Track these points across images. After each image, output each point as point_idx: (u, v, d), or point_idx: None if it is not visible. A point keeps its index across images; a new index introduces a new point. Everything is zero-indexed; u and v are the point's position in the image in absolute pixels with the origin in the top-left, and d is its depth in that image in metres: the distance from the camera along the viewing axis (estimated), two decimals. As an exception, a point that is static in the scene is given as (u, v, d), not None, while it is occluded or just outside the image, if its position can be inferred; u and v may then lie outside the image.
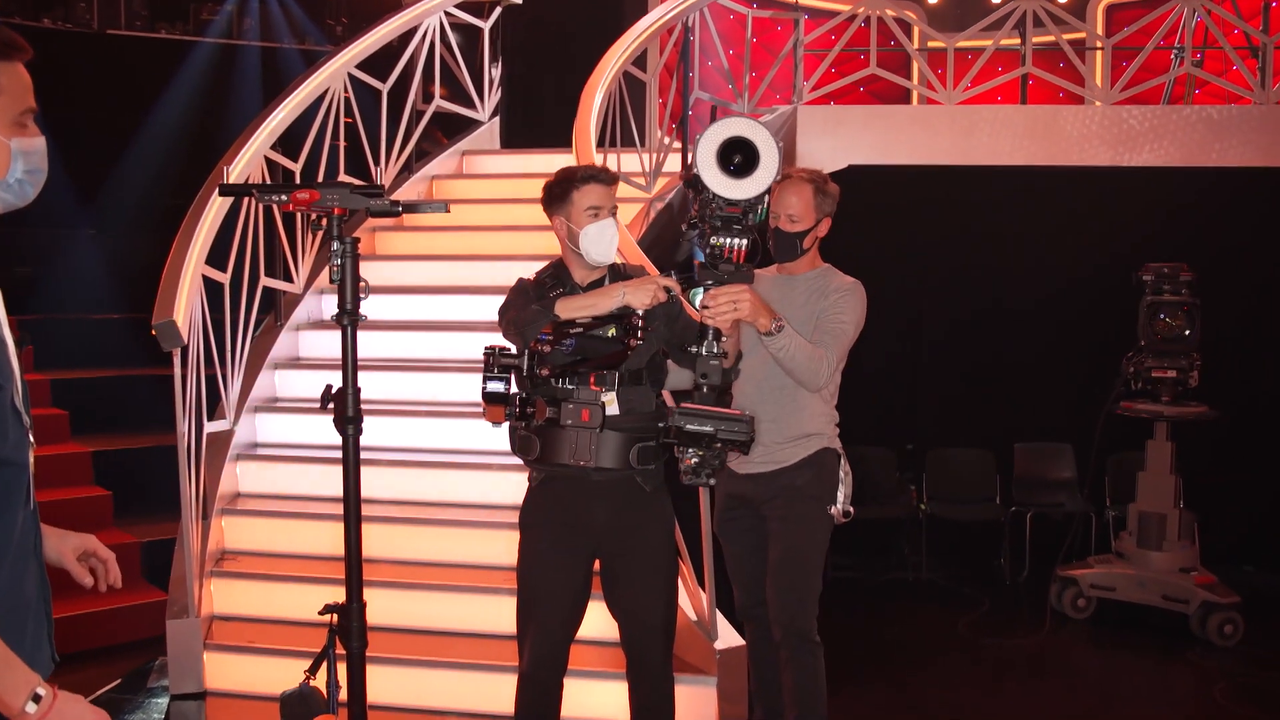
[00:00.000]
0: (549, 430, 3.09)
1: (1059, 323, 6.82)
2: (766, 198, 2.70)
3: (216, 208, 4.68)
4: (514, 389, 3.09)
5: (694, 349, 2.75)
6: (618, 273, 3.22)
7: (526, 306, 3.08)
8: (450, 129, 7.17)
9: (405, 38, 6.41)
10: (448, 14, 6.65)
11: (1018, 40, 6.80)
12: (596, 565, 3.22)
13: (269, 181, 5.16)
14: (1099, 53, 6.83)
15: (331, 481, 3.10)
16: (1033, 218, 6.70)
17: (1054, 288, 6.71)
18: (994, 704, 4.83)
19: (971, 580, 6.54)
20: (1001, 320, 6.96)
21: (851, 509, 3.47)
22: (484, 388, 3.01)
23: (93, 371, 6.89)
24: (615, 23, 6.53)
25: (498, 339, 3.18)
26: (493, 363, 3.01)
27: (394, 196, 6.21)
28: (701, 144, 2.68)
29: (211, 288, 4.72)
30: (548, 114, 6.83)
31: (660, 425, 2.75)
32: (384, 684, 3.83)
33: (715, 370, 2.76)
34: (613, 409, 3.06)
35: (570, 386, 3.06)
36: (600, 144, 5.55)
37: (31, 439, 1.83)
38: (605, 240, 3.13)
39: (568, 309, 3.03)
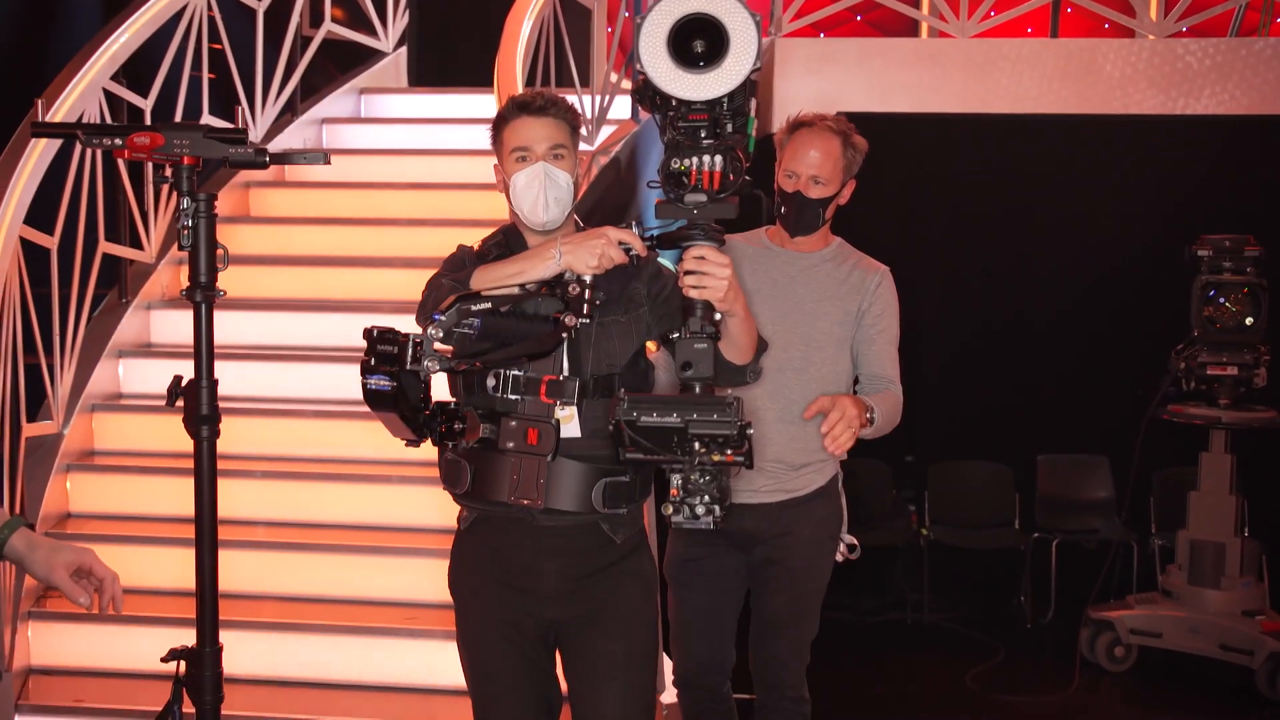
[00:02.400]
0: (483, 455, 2.77)
1: (1094, 309, 6.91)
2: (751, 101, 2.38)
3: (38, 153, 4.62)
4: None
5: (675, 334, 2.45)
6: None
7: (457, 273, 2.79)
8: (346, 61, 7.18)
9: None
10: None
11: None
12: None
13: (109, 121, 5.08)
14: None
15: (190, 499, 2.92)
16: (1064, 179, 6.78)
17: (1089, 265, 6.80)
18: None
19: (984, 623, 6.61)
20: (1023, 305, 7.06)
21: (855, 542, 3.47)
22: (364, 384, 2.57)
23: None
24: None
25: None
26: (370, 350, 2.57)
27: (275, 143, 6.29)
28: (645, 27, 2.35)
29: (34, 254, 4.68)
30: (467, 45, 6.82)
31: (609, 426, 2.43)
32: None
33: (702, 357, 2.43)
34: (571, 429, 2.75)
35: (513, 396, 2.73)
36: (530, 82, 5.56)
37: None
38: (532, 193, 2.79)
39: (486, 277, 2.69)
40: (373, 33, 7.08)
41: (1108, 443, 6.72)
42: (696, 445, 2.31)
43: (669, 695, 3.96)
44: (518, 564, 2.82)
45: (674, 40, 2.31)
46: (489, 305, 2.56)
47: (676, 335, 2.43)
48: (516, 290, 2.62)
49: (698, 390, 2.38)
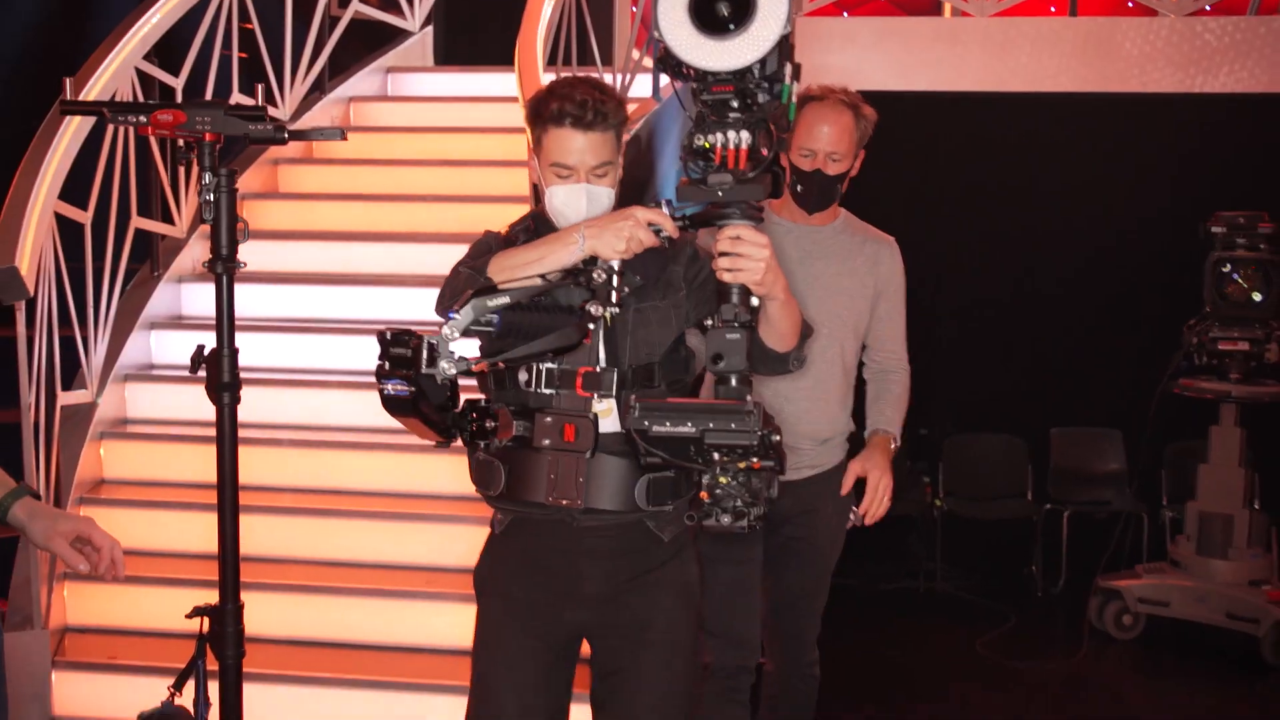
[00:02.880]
0: (518, 454, 2.58)
1: (1108, 283, 6.95)
2: (787, 69, 2.12)
3: (71, 131, 4.70)
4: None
5: (709, 321, 2.24)
6: None
7: (481, 261, 2.57)
8: (373, 41, 7.24)
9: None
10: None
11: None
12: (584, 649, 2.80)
13: (141, 99, 5.16)
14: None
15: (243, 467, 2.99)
16: (1081, 156, 6.80)
17: (1104, 241, 6.84)
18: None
19: (995, 592, 6.68)
20: (1038, 280, 7.10)
21: (857, 510, 3.43)
22: (380, 390, 2.33)
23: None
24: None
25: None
26: (384, 354, 2.33)
27: (303, 120, 6.38)
28: None
29: (69, 230, 4.77)
30: (492, 24, 6.87)
31: (621, 430, 2.30)
32: (270, 706, 4.01)
33: (735, 349, 2.19)
34: (610, 423, 2.55)
35: (548, 391, 2.53)
36: (552, 61, 5.62)
37: None
38: (569, 213, 2.57)
39: (504, 264, 2.49)
40: (399, 13, 7.16)
41: (1120, 416, 6.78)
42: (715, 455, 2.12)
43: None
44: (557, 569, 2.65)
45: (696, 4, 2.07)
46: (507, 300, 2.30)
47: (710, 323, 2.22)
48: (538, 281, 2.40)
49: (733, 382, 2.17)
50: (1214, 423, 5.86)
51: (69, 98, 4.58)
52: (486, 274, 2.47)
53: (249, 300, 5.24)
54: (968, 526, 6.89)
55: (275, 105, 6.29)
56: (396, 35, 7.21)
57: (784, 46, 2.06)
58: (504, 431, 2.47)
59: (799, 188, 3.29)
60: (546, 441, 2.51)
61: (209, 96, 5.72)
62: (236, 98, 5.95)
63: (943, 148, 6.88)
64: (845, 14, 8.43)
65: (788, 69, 2.09)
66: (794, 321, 2.49)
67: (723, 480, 2.11)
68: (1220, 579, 5.75)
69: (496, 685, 2.68)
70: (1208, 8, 6.59)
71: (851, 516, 3.44)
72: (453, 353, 2.23)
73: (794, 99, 2.13)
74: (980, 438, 7.08)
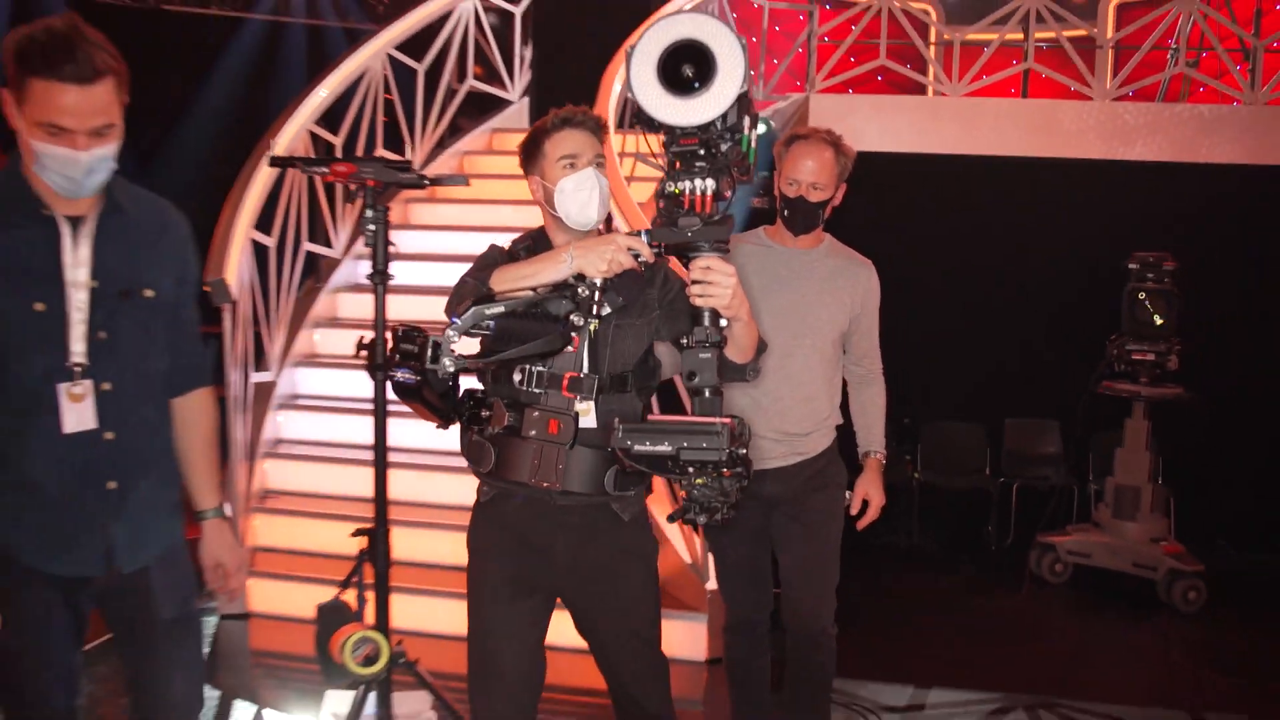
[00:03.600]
0: (507, 440, 2.49)
1: (1052, 306, 7.04)
2: (746, 120, 1.98)
3: (264, 177, 5.05)
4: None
5: (684, 341, 2.07)
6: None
7: (485, 272, 2.44)
8: (483, 107, 7.49)
9: (441, 21, 6.77)
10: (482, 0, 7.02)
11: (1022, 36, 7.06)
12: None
13: (311, 154, 5.55)
14: (1103, 51, 7.05)
15: (364, 431, 3.35)
16: (1031, 206, 6.90)
17: (1049, 273, 6.92)
18: (969, 659, 5.14)
19: (959, 546, 6.82)
20: (997, 302, 7.17)
21: (850, 492, 3.27)
22: (391, 376, 2.39)
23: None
24: (645, 8, 6.83)
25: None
26: (395, 347, 2.35)
27: (427, 170, 6.75)
28: (635, 54, 1.93)
29: (258, 251, 5.10)
30: (575, 95, 7.09)
31: (607, 450, 2.14)
32: (407, 611, 4.13)
33: (707, 367, 2.04)
34: (588, 420, 2.45)
35: (537, 390, 2.45)
36: (620, 125, 5.88)
37: (73, 366, 2.10)
38: (583, 195, 2.48)
39: (503, 277, 2.36)
40: (503, 86, 7.38)
41: (1058, 409, 6.89)
42: (690, 469, 1.97)
43: (713, 583, 4.12)
44: (534, 535, 2.54)
45: (664, 67, 1.94)
46: (503, 309, 2.25)
47: (684, 342, 2.06)
48: (530, 292, 2.30)
49: (707, 394, 2.02)
50: (1128, 416, 6.01)
51: (273, 154, 4.97)
52: (488, 285, 2.36)
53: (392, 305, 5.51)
54: (939, 495, 6.99)
55: (407, 155, 6.59)
56: (500, 104, 7.43)
57: (743, 101, 1.94)
58: (496, 421, 2.46)
59: (785, 212, 3.13)
60: (533, 433, 2.45)
61: (359, 152, 6.08)
62: (380, 152, 6.30)
63: (925, 194, 6.98)
64: (851, 90, 8.65)
65: (746, 121, 1.97)
66: (753, 339, 2.37)
67: (699, 482, 1.98)
68: (1130, 537, 5.91)
69: (491, 629, 2.56)
70: (1130, 94, 6.76)
71: (847, 497, 3.28)
72: (454, 351, 2.21)
73: (754, 145, 2.02)
74: (951, 425, 7.17)
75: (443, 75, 6.78)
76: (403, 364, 2.34)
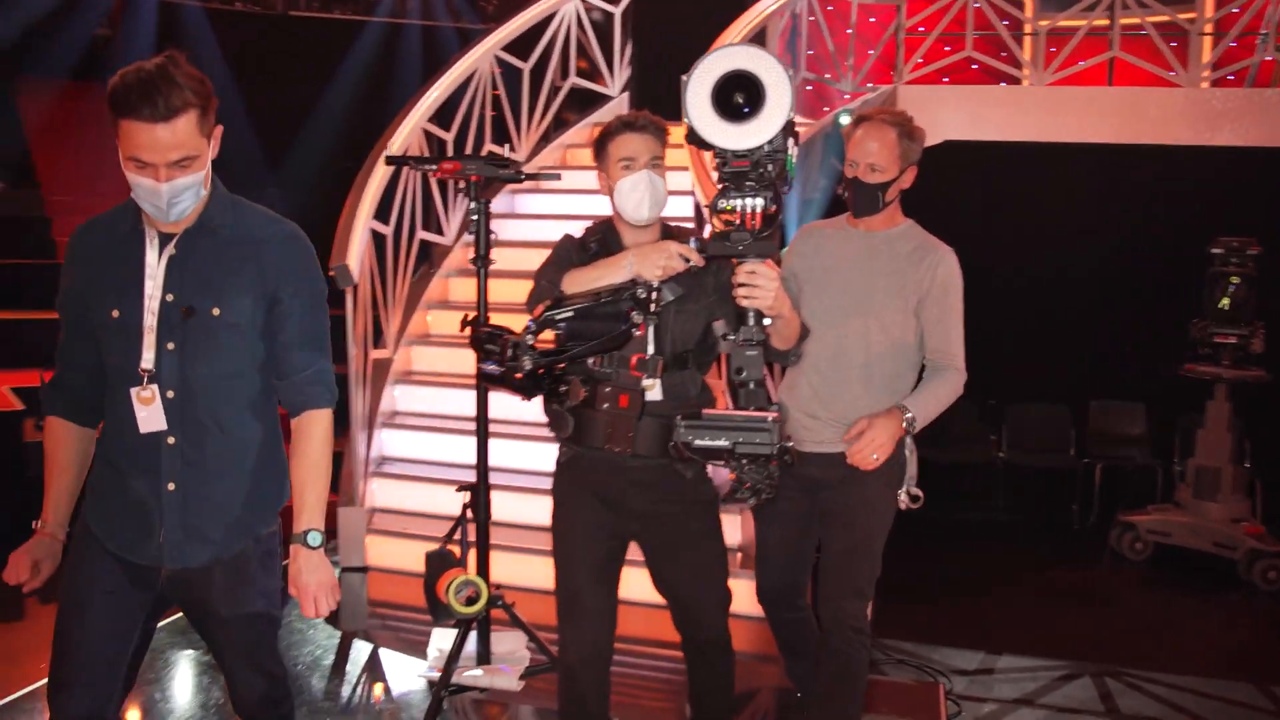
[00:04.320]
0: (584, 412, 2.75)
1: (1136, 289, 7.05)
2: (791, 143, 2.15)
3: (381, 172, 5.40)
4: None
5: (730, 336, 2.26)
6: (669, 234, 2.81)
7: (557, 271, 2.73)
8: (585, 103, 7.70)
9: (545, 22, 7.09)
10: (584, 0, 7.32)
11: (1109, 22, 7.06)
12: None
13: (425, 150, 5.91)
14: (1196, 38, 7.02)
15: (471, 403, 3.64)
16: (1114, 191, 6.93)
17: (1133, 257, 6.93)
18: (1041, 628, 5.29)
19: (1041, 523, 6.94)
20: (1082, 286, 7.22)
21: (920, 493, 3.05)
22: (478, 366, 2.65)
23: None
24: (738, 6, 7.06)
25: None
26: (479, 346, 2.63)
27: (532, 163, 7.10)
28: (691, 83, 2.10)
29: (377, 240, 5.47)
30: (670, 89, 7.33)
31: (669, 445, 2.28)
32: (505, 566, 4.54)
33: (753, 363, 2.24)
34: (654, 395, 2.66)
35: (609, 370, 2.70)
36: None
37: (143, 371, 2.20)
38: (637, 195, 2.70)
39: (574, 282, 2.64)
40: (604, 82, 7.58)
41: (1143, 392, 6.95)
42: (744, 461, 2.18)
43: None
44: (609, 491, 2.79)
45: (717, 95, 2.11)
46: (571, 313, 2.50)
47: (730, 336, 2.27)
48: (595, 296, 2.52)
49: (752, 386, 2.22)
50: (1210, 399, 6.04)
51: (387, 154, 5.32)
52: (560, 287, 2.64)
53: (496, 289, 5.78)
54: (1023, 474, 7.10)
55: (514, 150, 6.91)
56: (601, 99, 7.61)
57: (788, 127, 2.11)
58: (573, 396, 2.71)
59: (845, 193, 3.10)
60: (606, 406, 2.71)
61: (469, 147, 6.44)
62: (488, 146, 6.66)
63: (1007, 183, 7.05)
64: (946, 79, 8.68)
65: (789, 142, 2.14)
66: (794, 330, 2.61)
67: (749, 468, 2.17)
68: (1210, 516, 5.95)
69: (575, 567, 2.82)
70: (1219, 79, 6.69)
71: (905, 498, 3.05)
72: (532, 349, 2.50)
73: (794, 162, 2.18)
74: (1036, 406, 7.25)
75: (547, 73, 7.08)
76: (487, 359, 2.60)
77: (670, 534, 2.82)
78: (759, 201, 2.17)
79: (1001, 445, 7.23)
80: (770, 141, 2.12)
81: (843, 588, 3.04)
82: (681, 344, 2.72)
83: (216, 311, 2.22)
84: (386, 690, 3.88)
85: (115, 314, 2.20)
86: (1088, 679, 4.72)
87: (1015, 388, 7.32)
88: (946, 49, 7.53)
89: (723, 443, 2.18)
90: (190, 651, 4.06)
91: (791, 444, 2.19)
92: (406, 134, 5.77)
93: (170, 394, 2.21)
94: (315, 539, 2.27)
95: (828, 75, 7.21)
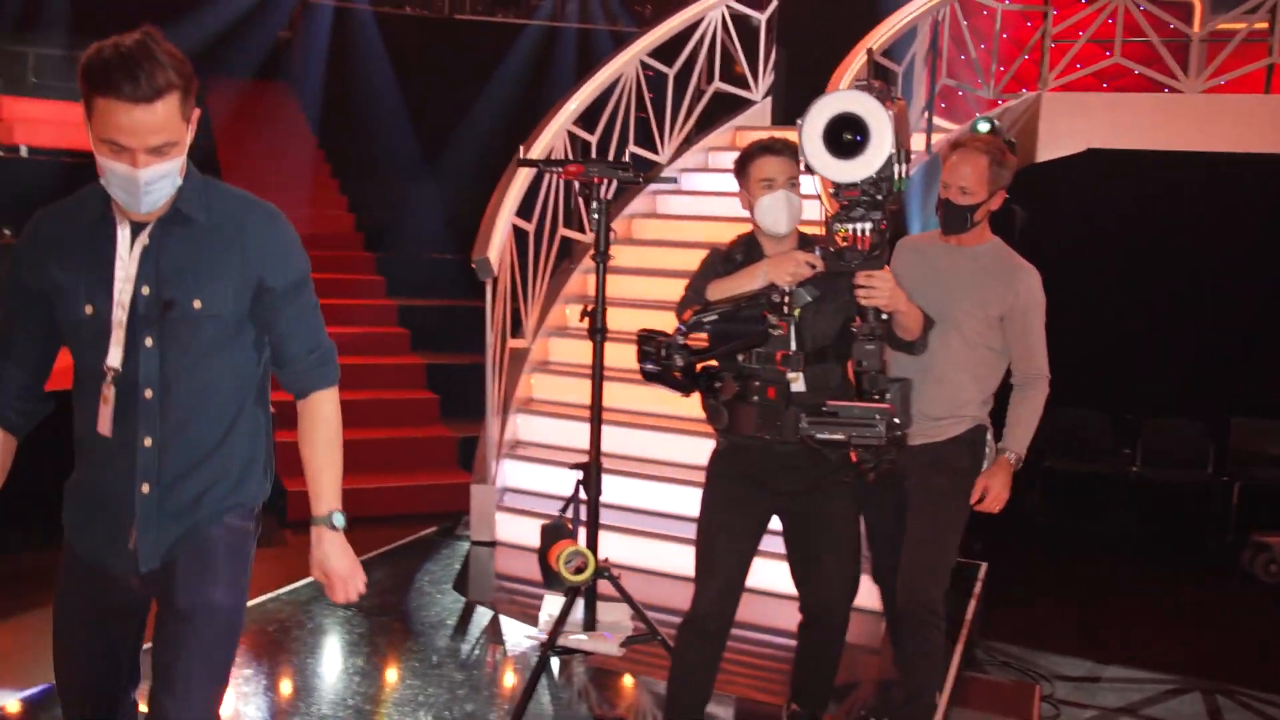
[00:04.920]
0: (736, 405, 3.03)
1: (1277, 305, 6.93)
2: (899, 170, 2.48)
3: (524, 171, 5.70)
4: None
5: (853, 328, 2.67)
6: (807, 243, 3.05)
7: (703, 280, 3.06)
8: (728, 107, 7.87)
9: (693, 28, 7.36)
10: (729, 6, 7.56)
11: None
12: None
13: (569, 151, 6.23)
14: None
15: (605, 393, 3.95)
16: (1267, 203, 6.80)
17: (1277, 271, 6.82)
18: (1157, 643, 5.30)
19: (1171, 539, 6.89)
20: (1227, 299, 7.11)
21: None
22: (640, 366, 2.98)
23: (430, 300, 8.42)
24: (880, 13, 7.17)
25: None
26: (639, 348, 2.95)
27: (676, 164, 7.38)
28: (805, 123, 2.46)
29: (519, 236, 5.78)
30: (813, 95, 7.52)
31: (797, 436, 2.67)
32: (613, 548, 4.77)
33: (871, 356, 2.66)
34: (798, 386, 2.96)
35: (757, 366, 2.98)
36: None
37: (108, 369, 2.04)
38: (775, 213, 3.01)
39: (717, 290, 2.99)
40: (747, 87, 7.80)
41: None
42: (861, 448, 2.63)
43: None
44: (760, 473, 3.08)
45: (828, 135, 2.48)
46: (715, 316, 2.88)
47: (854, 329, 2.68)
48: (736, 301, 2.90)
49: (873, 375, 2.65)
50: None
51: (523, 156, 5.69)
52: (705, 295, 3.00)
53: (634, 286, 6.08)
54: (1156, 489, 7.05)
55: (658, 152, 7.18)
56: (745, 104, 7.81)
57: (890, 161, 2.50)
58: (726, 391, 3.02)
59: (938, 212, 3.33)
60: (756, 398, 3.00)
61: (614, 149, 6.74)
62: (632, 148, 6.95)
63: (1152, 191, 6.99)
64: (1106, 85, 8.57)
65: (895, 167, 2.53)
66: (915, 321, 2.91)
67: (865, 452, 2.64)
68: None
69: (718, 532, 3.11)
70: None
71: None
72: (684, 347, 2.89)
73: (902, 181, 2.56)
74: (1173, 421, 7.18)
75: (691, 77, 7.33)
76: (645, 359, 2.95)
77: (812, 512, 3.09)
78: (867, 225, 2.61)
79: (1135, 459, 7.18)
80: (877, 171, 2.49)
81: (919, 572, 3.25)
82: (821, 340, 2.99)
83: (198, 304, 2.07)
84: (500, 649, 4.23)
85: (89, 310, 2.04)
86: (1197, 694, 4.74)
87: (1152, 401, 7.28)
88: (1108, 52, 7.41)
89: (839, 436, 2.64)
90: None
91: (900, 433, 2.61)
92: (551, 136, 6.09)
93: (148, 393, 2.06)
94: (339, 520, 2.18)
95: (968, 84, 7.27)
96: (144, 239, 2.05)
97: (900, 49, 6.70)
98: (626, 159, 6.80)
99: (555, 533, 3.88)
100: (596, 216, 3.83)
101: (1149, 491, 7.12)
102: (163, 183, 1.99)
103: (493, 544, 5.44)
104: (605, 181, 3.89)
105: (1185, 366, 7.21)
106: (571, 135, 6.37)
